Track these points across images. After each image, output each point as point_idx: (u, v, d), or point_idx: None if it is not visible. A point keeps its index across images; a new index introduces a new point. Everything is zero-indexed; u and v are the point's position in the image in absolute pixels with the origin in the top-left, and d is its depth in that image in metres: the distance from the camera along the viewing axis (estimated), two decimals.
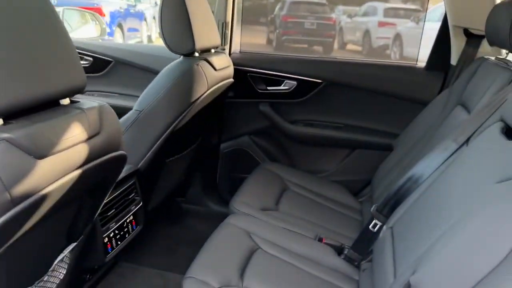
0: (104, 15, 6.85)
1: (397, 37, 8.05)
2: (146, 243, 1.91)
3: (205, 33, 1.61)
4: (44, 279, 0.99)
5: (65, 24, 2.82)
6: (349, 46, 9.38)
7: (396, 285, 1.01)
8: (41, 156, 0.71)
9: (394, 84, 1.94)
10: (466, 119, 1.36)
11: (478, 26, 1.54)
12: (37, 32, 0.76)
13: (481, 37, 1.70)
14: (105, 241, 1.33)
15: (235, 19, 2.06)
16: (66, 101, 0.84)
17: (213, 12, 1.92)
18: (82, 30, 2.78)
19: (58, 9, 2.47)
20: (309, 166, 2.12)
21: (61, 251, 1.04)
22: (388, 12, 8.61)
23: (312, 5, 9.07)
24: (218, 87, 1.66)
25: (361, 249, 1.42)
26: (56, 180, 0.75)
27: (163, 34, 1.52)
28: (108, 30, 7.02)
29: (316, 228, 1.57)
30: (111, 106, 2.33)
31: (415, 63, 2.04)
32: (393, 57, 7.96)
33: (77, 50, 2.54)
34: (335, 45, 9.23)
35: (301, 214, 1.64)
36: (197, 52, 1.58)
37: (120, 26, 7.68)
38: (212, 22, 1.70)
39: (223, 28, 1.96)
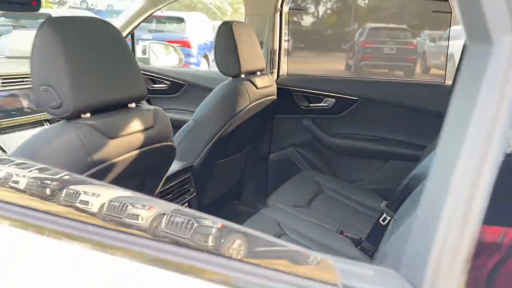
0: (191, 47, 7.69)
1: None
2: None
3: (251, 59, 1.97)
4: None
5: (152, 55, 3.39)
6: (433, 71, 9.15)
7: None
8: (111, 137, 1.10)
9: (423, 101, 2.12)
10: None
11: None
12: (112, 56, 1.14)
13: None
14: None
15: (283, 47, 2.42)
16: (132, 105, 1.23)
17: (263, 42, 2.29)
18: (166, 59, 3.33)
19: (145, 43, 3.02)
20: (347, 175, 2.35)
21: None
22: None
23: (392, 31, 9.06)
24: (260, 102, 2.01)
25: (374, 241, 1.63)
26: (122, 155, 1.14)
27: (216, 60, 1.91)
28: (194, 60, 7.85)
29: (340, 224, 1.80)
30: (183, 121, 2.75)
31: (443, 81, 2.20)
32: None
33: (158, 75, 3.06)
34: (417, 70, 9.08)
35: (329, 212, 1.88)
36: (243, 74, 1.95)
37: (206, 57, 8.52)
38: (257, 50, 2.06)
39: (271, 55, 2.32)
